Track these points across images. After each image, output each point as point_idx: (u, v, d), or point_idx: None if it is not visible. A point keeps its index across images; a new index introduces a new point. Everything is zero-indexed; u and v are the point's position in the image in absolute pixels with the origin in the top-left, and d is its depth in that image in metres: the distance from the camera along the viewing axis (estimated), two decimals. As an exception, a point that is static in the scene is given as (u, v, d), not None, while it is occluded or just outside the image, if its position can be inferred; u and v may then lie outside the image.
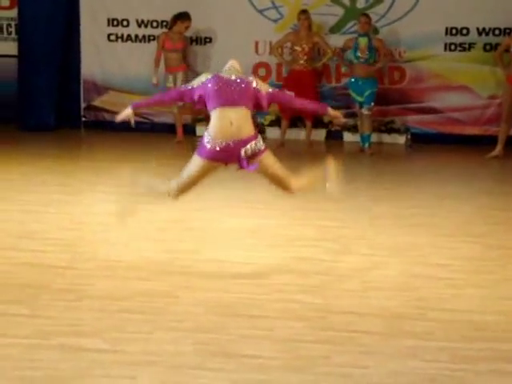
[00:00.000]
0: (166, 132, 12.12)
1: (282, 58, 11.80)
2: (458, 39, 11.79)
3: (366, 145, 11.35)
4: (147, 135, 11.92)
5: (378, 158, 11.14)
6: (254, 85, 5.76)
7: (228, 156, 5.67)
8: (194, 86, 5.79)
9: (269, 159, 5.80)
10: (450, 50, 11.82)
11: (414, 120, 12.04)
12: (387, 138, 12.00)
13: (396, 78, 11.91)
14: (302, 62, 11.58)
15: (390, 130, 12.00)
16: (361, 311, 5.35)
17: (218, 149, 5.62)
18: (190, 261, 6.32)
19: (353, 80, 11.39)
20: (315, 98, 11.57)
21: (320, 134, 12.10)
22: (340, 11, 12.00)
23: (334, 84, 12.14)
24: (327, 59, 11.74)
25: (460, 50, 11.81)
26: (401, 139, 11.99)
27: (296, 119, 11.94)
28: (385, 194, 8.84)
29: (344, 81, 11.99)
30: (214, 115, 5.68)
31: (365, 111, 11.36)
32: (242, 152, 5.64)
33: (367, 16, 11.35)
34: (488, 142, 11.39)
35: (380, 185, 9.38)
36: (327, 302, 5.53)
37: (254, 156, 5.69)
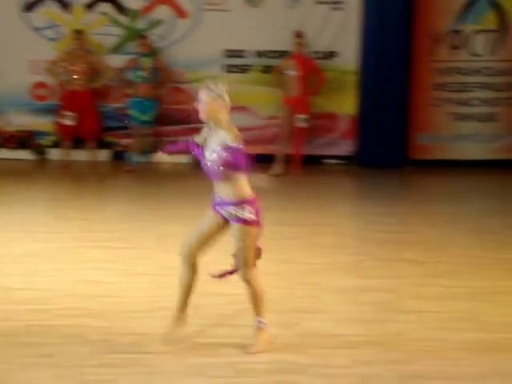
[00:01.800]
0: None
1: (58, 77, 11.60)
2: (237, 61, 12.09)
3: (136, 160, 11.43)
4: None
5: (163, 177, 11.19)
6: None
7: None
8: None
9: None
10: (229, 71, 12.10)
11: (197, 140, 12.14)
12: (172, 158, 11.97)
13: (179, 99, 12.01)
14: (79, 82, 11.43)
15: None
16: (146, 332, 5.31)
17: None
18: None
19: (134, 99, 11.39)
20: (95, 118, 11.52)
21: (104, 155, 11.98)
22: (120, 32, 11.96)
23: (116, 104, 12.06)
24: (106, 79, 11.67)
25: (239, 72, 12.11)
26: (185, 159, 12.06)
27: (78, 140, 11.76)
28: (172, 214, 8.87)
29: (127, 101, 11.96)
30: None
31: (144, 131, 11.41)
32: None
33: (146, 37, 11.43)
34: (269, 160, 11.72)
35: (166, 204, 9.40)
36: (112, 324, 5.45)
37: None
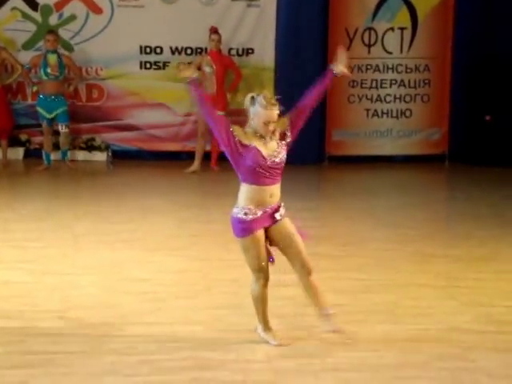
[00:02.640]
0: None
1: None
2: (153, 58, 12.02)
3: (65, 158, 11.36)
4: None
5: (79, 175, 11.06)
6: None
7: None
8: None
9: None
10: (146, 68, 12.03)
11: (114, 137, 12.08)
12: (88, 156, 11.92)
13: (94, 96, 11.87)
14: (-10, 78, 11.25)
15: (91, 147, 11.94)
16: (61, 332, 5.25)
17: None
18: None
19: (42, 97, 11.22)
20: (8, 116, 11.33)
21: (17, 153, 11.79)
22: (33, 27, 11.76)
23: (30, 101, 11.85)
24: (17, 76, 11.47)
25: (155, 69, 12.05)
26: (102, 156, 11.97)
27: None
28: (87, 212, 8.78)
29: (40, 98, 11.82)
30: None
31: (62, 129, 11.26)
32: None
33: (55, 33, 11.28)
34: (186, 157, 11.73)
35: (82, 202, 9.31)
36: (26, 325, 5.37)
37: None
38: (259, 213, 5.01)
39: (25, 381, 4.54)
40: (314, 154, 12.32)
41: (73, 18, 11.80)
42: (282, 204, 5.14)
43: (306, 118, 5.24)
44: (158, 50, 12.01)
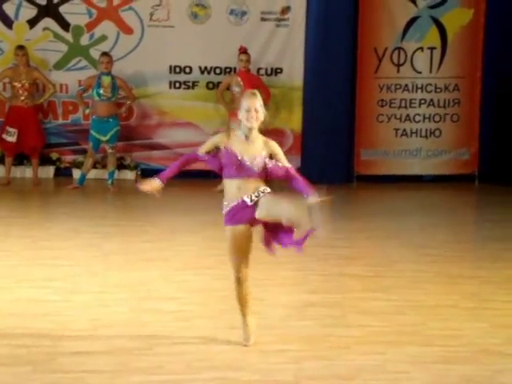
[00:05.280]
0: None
1: (1, 95, 11.50)
2: (182, 77, 12.10)
3: (110, 182, 11.35)
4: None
5: (108, 193, 11.13)
6: None
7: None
8: None
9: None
10: (175, 87, 12.11)
11: (142, 156, 12.15)
12: (118, 175, 12.00)
13: (124, 115, 11.97)
14: (22, 98, 11.33)
15: (121, 166, 12.02)
16: (90, 350, 5.27)
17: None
18: None
19: (95, 118, 11.26)
20: (39, 135, 11.43)
21: (48, 171, 11.89)
22: (64, 47, 11.89)
23: (61, 121, 11.98)
24: (49, 95, 11.57)
25: (184, 88, 12.12)
26: (131, 175, 12.05)
27: (21, 156, 11.66)
28: (116, 230, 8.83)
29: (72, 117, 11.92)
30: None
31: (109, 150, 11.33)
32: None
33: (108, 55, 11.36)
34: (215, 176, 11.68)
35: (111, 221, 9.36)
36: (56, 343, 5.39)
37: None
38: (231, 205, 5.30)
39: (54, 399, 4.56)
40: (342, 174, 12.32)
41: (104, 38, 11.93)
42: (261, 189, 5.27)
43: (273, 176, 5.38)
44: (188, 70, 12.09)
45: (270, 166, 5.32)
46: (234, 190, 5.30)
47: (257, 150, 5.31)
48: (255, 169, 5.28)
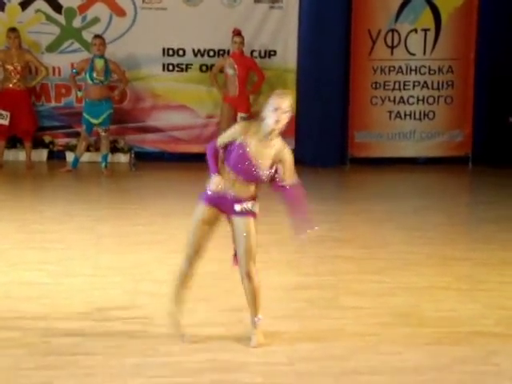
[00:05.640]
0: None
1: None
2: (175, 60, 12.06)
3: (103, 165, 11.28)
4: None
5: (101, 177, 11.11)
6: None
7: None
8: None
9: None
10: (168, 70, 12.07)
11: (136, 139, 12.13)
12: (111, 158, 11.97)
13: (116, 98, 11.92)
14: (14, 81, 11.27)
15: (114, 149, 11.99)
16: (84, 333, 5.28)
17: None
18: None
19: (87, 101, 11.19)
20: (32, 118, 11.38)
21: (41, 155, 11.86)
22: (56, 30, 11.84)
23: (53, 103, 11.94)
24: (42, 78, 11.53)
25: (178, 71, 12.09)
26: (124, 158, 12.03)
27: (14, 139, 11.64)
28: (109, 213, 8.82)
29: (64, 100, 11.88)
30: None
31: (102, 133, 11.27)
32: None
33: (101, 38, 11.26)
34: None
35: (104, 204, 9.36)
36: (49, 326, 5.40)
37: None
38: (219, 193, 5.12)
39: (48, 382, 4.56)
40: (336, 156, 12.32)
41: (96, 20, 11.87)
42: (252, 202, 5.15)
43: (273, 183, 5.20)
44: (181, 52, 12.05)
45: (281, 184, 5.12)
46: (229, 182, 5.11)
47: (270, 155, 5.05)
48: (263, 178, 5.09)
